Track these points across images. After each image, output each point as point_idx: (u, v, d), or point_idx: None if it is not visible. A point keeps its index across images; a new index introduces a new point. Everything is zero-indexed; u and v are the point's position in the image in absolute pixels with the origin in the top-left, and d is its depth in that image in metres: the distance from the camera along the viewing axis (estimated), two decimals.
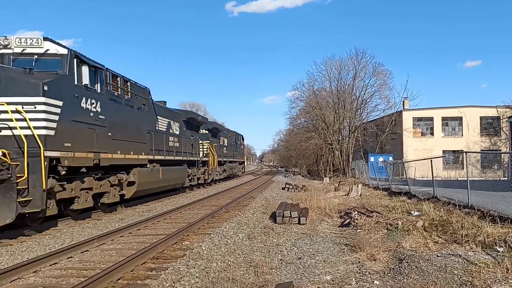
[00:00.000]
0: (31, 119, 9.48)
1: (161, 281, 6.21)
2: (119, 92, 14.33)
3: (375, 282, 6.22)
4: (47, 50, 10.89)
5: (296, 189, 24.07)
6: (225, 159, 33.81)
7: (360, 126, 40.94)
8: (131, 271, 6.75)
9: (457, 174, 35.97)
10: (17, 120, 9.39)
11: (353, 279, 6.38)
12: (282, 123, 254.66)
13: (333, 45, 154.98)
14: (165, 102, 21.50)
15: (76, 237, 10.23)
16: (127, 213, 15.02)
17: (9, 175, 8.66)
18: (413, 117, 43.22)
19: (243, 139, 48.12)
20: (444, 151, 41.07)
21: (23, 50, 10.72)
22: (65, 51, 11.10)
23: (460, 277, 6.20)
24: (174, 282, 6.18)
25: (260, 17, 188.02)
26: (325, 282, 6.30)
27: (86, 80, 11.64)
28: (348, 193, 19.38)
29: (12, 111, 9.40)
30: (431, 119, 43.68)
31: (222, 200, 18.81)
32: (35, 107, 9.64)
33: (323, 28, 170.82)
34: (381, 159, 31.00)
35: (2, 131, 9.47)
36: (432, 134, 43.67)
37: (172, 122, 20.36)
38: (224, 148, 34.26)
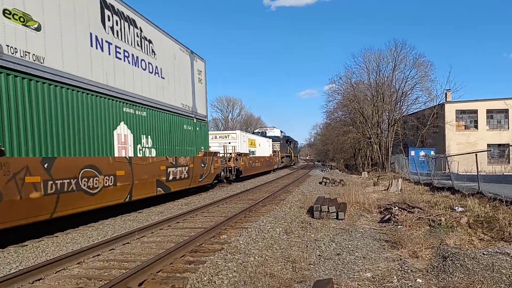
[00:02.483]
0: None
1: (200, 274, 6.26)
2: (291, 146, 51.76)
3: (418, 280, 6.01)
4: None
5: (334, 183, 23.76)
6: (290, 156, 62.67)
7: (400, 119, 39.78)
8: (170, 264, 6.85)
9: (503, 168, 34.36)
10: None
11: (395, 277, 6.19)
12: (318, 116, 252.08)
13: (372, 37, 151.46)
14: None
15: (117, 229, 10.52)
16: (166, 206, 15.31)
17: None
18: (456, 110, 41.60)
19: (297, 143, 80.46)
20: (489, 145, 39.34)
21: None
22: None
23: (509, 276, 5.89)
24: (212, 276, 6.22)
25: (298, 10, 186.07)
26: (365, 279, 6.15)
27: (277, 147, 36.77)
28: (387, 188, 18.91)
29: None
30: (475, 111, 41.88)
31: (259, 194, 18.83)
32: None
33: (362, 20, 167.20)
34: (422, 153, 30.04)
35: None
36: (476, 127, 41.90)
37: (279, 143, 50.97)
38: (289, 149, 61.79)
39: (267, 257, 7.50)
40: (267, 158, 40.57)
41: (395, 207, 12.01)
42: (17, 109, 8.65)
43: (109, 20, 12.36)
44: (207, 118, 21.24)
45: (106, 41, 12.21)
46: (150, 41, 15.07)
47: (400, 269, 6.60)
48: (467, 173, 17.98)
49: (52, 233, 9.85)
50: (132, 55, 13.75)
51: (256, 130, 57.70)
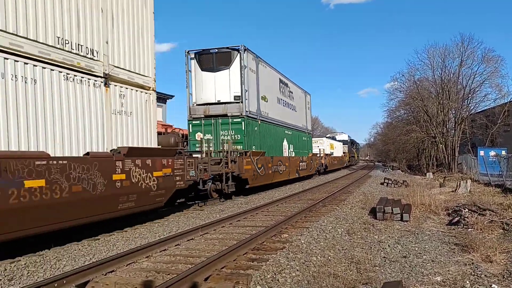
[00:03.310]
0: None
1: (263, 272, 6.30)
2: (354, 147, 73.53)
3: (494, 286, 5.65)
4: None
5: (396, 184, 22.99)
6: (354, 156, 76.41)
7: (468, 118, 37.64)
8: (234, 261, 6.95)
9: None
10: None
11: (467, 281, 5.86)
12: (378, 116, 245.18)
13: (436, 32, 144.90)
14: None
15: (181, 226, 10.87)
16: (226, 205, 15.59)
17: None
18: None
19: (358, 144, 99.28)
20: None
21: None
22: None
23: None
24: (275, 274, 6.23)
25: (357, 7, 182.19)
26: (435, 283, 5.88)
27: (346, 149, 59.27)
28: (455, 190, 17.98)
29: None
30: None
31: (318, 194, 18.65)
32: None
33: (425, 14, 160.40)
34: (492, 153, 28.21)
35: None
36: None
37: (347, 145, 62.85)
38: (353, 150, 76.11)
39: (329, 257, 7.40)
40: (340, 158, 53.16)
41: (464, 209, 11.39)
42: (254, 133, 20.27)
43: (280, 87, 25.40)
44: (311, 131, 35.66)
45: (280, 98, 25.20)
46: (291, 92, 27.70)
47: (473, 273, 6.25)
48: None
49: (122, 228, 10.36)
50: (287, 102, 26.63)
51: (327, 135, 64.72)
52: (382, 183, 24.52)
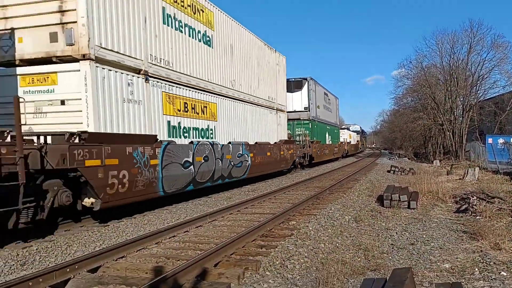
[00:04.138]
0: None
1: (272, 258, 6.35)
2: (363, 136, 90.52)
3: (502, 273, 5.66)
4: None
5: (403, 172, 22.92)
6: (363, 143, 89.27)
7: (476, 105, 37.23)
8: (242, 247, 7.02)
9: None
10: None
11: (476, 269, 5.87)
12: (385, 103, 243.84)
13: (445, 18, 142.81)
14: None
15: (190, 213, 10.94)
16: (233, 192, 15.66)
17: None
18: None
19: (366, 133, 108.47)
20: None
21: None
22: None
23: None
24: (284, 260, 6.28)
25: None
26: (444, 270, 5.89)
27: (358, 137, 69.87)
28: (463, 177, 17.91)
29: None
30: None
31: (325, 181, 18.66)
32: None
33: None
34: (501, 140, 27.98)
35: None
36: None
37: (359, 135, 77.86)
38: (362, 139, 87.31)
39: (337, 244, 7.44)
40: (355, 145, 66.85)
41: (472, 197, 11.36)
42: (314, 129, 31.17)
43: (324, 97, 35.65)
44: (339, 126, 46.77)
45: (324, 105, 35.26)
46: (329, 99, 37.88)
47: (482, 261, 6.25)
48: None
49: (131, 215, 10.45)
50: (327, 106, 36.78)
51: (342, 127, 69.38)
52: (388, 171, 24.46)
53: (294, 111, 29.09)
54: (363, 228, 8.90)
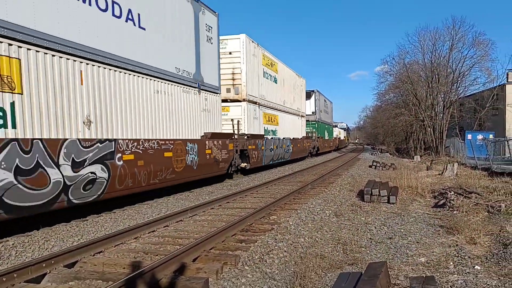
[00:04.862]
0: None
1: (251, 253, 6.37)
2: (348, 132, 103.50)
3: (476, 267, 5.78)
4: None
5: (384, 167, 23.21)
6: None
7: (456, 101, 37.84)
8: (222, 242, 7.02)
9: None
10: None
11: (451, 263, 5.99)
12: (368, 99, 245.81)
13: (427, 15, 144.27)
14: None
15: (171, 207, 10.89)
16: (216, 186, 15.63)
17: None
18: None
19: (349, 129, 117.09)
20: None
21: None
22: None
23: None
24: (263, 255, 6.30)
25: None
26: (420, 264, 6.00)
27: (345, 134, 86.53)
28: (442, 173, 18.22)
29: None
30: None
31: (308, 176, 18.77)
32: None
33: None
34: (480, 136, 28.54)
35: None
36: None
37: (346, 132, 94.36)
38: (348, 135, 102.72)
39: (317, 239, 7.50)
40: (343, 140, 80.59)
41: (450, 192, 11.57)
42: (318, 128, 43.44)
43: (324, 103, 49.89)
44: (332, 124, 60.02)
45: (324, 109, 48.75)
46: (326, 104, 52.02)
47: (457, 255, 6.38)
48: None
49: (111, 210, 10.35)
50: (325, 110, 50.52)
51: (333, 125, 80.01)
52: (370, 166, 24.74)
53: (306, 115, 37.81)
54: (343, 222, 8.99)
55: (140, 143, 10.84)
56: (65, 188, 8.34)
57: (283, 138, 26.41)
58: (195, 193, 13.67)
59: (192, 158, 13.70)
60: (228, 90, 19.66)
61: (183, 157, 13.06)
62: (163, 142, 11.96)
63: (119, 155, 9.95)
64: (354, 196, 12.62)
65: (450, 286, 5.07)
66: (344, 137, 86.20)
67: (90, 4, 9.43)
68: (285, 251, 6.57)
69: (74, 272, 5.55)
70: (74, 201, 8.65)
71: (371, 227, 8.52)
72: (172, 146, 12.36)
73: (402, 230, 8.23)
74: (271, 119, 24.68)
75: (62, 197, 8.30)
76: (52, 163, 8.03)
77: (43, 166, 7.84)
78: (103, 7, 9.86)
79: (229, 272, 5.62)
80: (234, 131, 18.29)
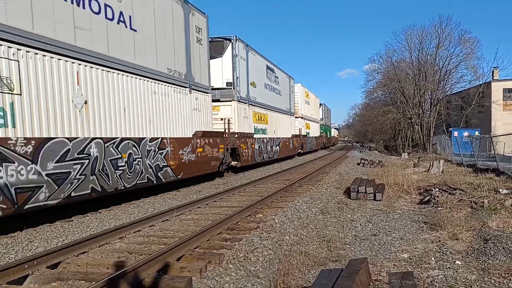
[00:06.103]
0: None
1: (235, 251, 6.39)
2: (339, 131, 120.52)
3: (457, 262, 5.87)
4: None
5: (372, 164, 23.39)
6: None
7: (443, 99, 38.30)
8: (207, 241, 7.02)
9: None
10: None
11: (433, 258, 6.07)
12: (357, 97, 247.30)
13: (415, 14, 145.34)
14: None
15: (157, 207, 10.86)
16: (204, 185, 15.62)
17: None
18: (503, 89, 39.60)
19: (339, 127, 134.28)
20: None
21: None
22: None
23: None
24: (247, 253, 6.33)
25: None
26: (402, 260, 6.07)
27: (337, 133, 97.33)
28: (428, 170, 18.41)
29: None
30: None
31: (295, 174, 18.84)
32: None
33: None
34: (466, 133, 28.90)
35: None
36: None
37: (337, 131, 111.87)
38: (338, 133, 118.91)
39: (302, 236, 7.54)
40: (336, 138, 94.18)
41: (435, 189, 11.71)
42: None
43: (323, 110, 58.53)
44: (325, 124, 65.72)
45: (318, 118, 52.54)
46: (323, 108, 60.28)
47: (439, 250, 6.47)
48: None
49: (96, 210, 10.29)
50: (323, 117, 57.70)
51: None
52: (358, 164, 24.90)
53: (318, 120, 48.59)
54: (329, 220, 9.05)
55: (280, 138, 25.32)
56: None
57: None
58: (182, 192, 13.64)
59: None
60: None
61: (290, 145, 26.30)
62: (286, 138, 24.81)
63: (279, 143, 26.28)
64: (341, 194, 12.70)
65: (431, 281, 5.14)
66: (337, 135, 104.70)
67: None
68: (269, 249, 6.60)
69: (57, 273, 5.52)
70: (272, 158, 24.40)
71: (357, 224, 8.59)
72: (287, 140, 26.50)
73: (386, 227, 8.31)
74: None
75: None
76: (272, 144, 26.20)
77: (274, 145, 27.01)
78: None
79: (213, 270, 5.63)
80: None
